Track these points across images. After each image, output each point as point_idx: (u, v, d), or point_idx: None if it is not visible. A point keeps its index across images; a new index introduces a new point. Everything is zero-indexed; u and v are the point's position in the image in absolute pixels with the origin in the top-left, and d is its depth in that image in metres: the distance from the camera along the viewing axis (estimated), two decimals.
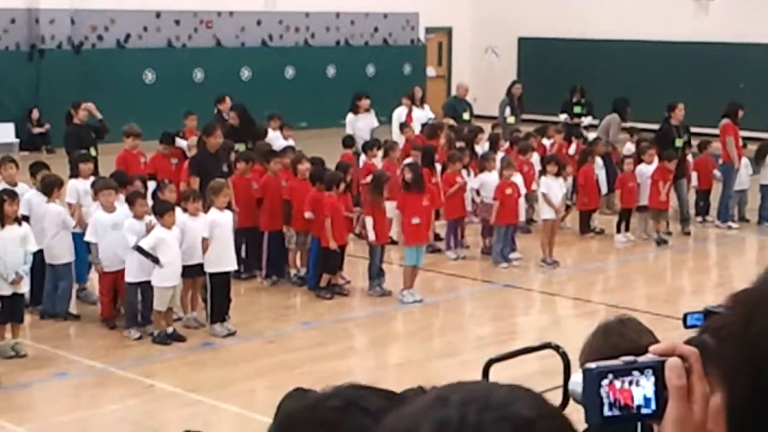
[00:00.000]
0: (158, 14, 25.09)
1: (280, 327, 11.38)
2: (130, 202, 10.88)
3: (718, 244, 16.06)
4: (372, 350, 11.12)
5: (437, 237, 14.79)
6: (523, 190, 14.17)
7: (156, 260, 10.38)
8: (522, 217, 14.45)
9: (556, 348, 6.69)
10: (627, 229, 15.51)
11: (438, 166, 14.79)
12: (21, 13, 23.36)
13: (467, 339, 11.29)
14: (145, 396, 9.39)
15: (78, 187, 11.85)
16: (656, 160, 15.36)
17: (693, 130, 16.61)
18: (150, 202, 11.44)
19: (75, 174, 12.13)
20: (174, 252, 10.52)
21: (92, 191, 11.41)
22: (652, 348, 1.64)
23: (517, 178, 14.03)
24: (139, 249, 10.42)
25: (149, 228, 10.59)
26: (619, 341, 3.46)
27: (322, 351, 10.49)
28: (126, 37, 24.78)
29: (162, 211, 10.58)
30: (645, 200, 15.31)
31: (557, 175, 14.25)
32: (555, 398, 5.69)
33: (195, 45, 25.76)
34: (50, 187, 11.19)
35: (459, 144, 15.79)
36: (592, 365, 1.61)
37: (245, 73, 26.51)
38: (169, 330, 10.62)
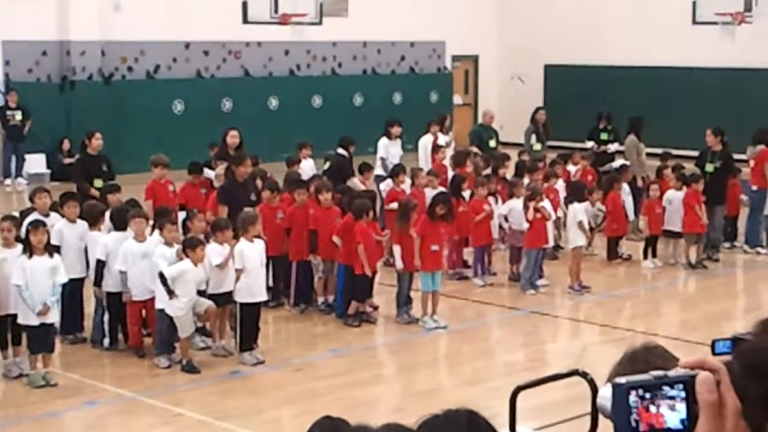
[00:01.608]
0: (187, 45, 25.34)
1: (308, 355, 11.41)
2: (159, 227, 10.98)
3: (747, 270, 15.98)
4: (400, 377, 11.12)
5: (465, 264, 14.83)
6: (553, 216, 14.17)
7: (171, 292, 10.47)
8: (551, 243, 14.44)
9: (584, 375, 6.69)
10: (654, 255, 15.48)
11: (466, 194, 14.83)
12: (52, 45, 23.66)
13: (495, 366, 11.28)
14: (174, 424, 9.44)
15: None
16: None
17: None
18: (180, 231, 11.54)
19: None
20: (192, 287, 10.61)
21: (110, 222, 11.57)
22: (681, 362, 1.63)
23: (546, 203, 14.04)
24: (161, 276, 10.51)
25: (179, 255, 10.69)
26: (645, 368, 3.46)
27: (350, 378, 10.51)
28: (155, 68, 25.04)
29: (192, 245, 10.65)
30: (671, 225, 15.31)
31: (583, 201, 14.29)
32: (584, 425, 5.66)
33: (223, 75, 25.98)
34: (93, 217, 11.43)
35: (486, 171, 15.84)
36: (622, 379, 1.59)
37: (273, 103, 26.70)
38: (183, 361, 10.68)
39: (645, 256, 15.49)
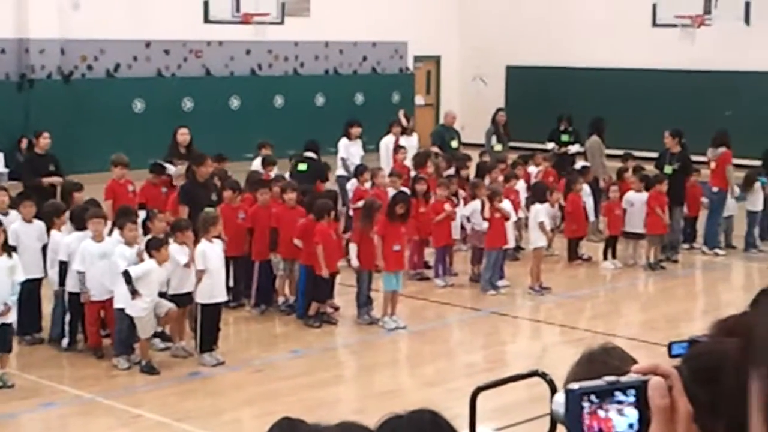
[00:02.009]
0: (148, 44, 25.18)
1: (269, 356, 11.38)
2: (119, 227, 10.89)
3: (706, 271, 16.12)
4: (360, 378, 11.12)
5: (426, 265, 14.85)
6: (513, 216, 14.20)
7: (134, 291, 10.40)
8: (511, 243, 14.47)
9: (543, 375, 6.72)
10: (614, 256, 15.58)
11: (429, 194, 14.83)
12: (11, 42, 23.41)
13: (456, 367, 11.30)
14: (133, 426, 9.37)
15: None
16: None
17: None
18: (140, 231, 11.45)
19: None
20: (155, 287, 10.55)
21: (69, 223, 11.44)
22: (634, 368, 1.64)
23: (505, 204, 14.06)
24: (125, 274, 10.42)
25: (140, 254, 10.62)
26: (603, 369, 3.47)
27: (311, 379, 10.49)
28: (116, 67, 24.85)
29: (156, 246, 10.57)
30: (632, 227, 15.42)
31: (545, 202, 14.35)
32: (543, 426, 5.67)
33: (184, 74, 25.83)
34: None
35: (447, 172, 15.87)
36: (575, 385, 1.60)
37: (234, 102, 26.59)
38: (143, 362, 10.60)
39: (605, 257, 15.59)
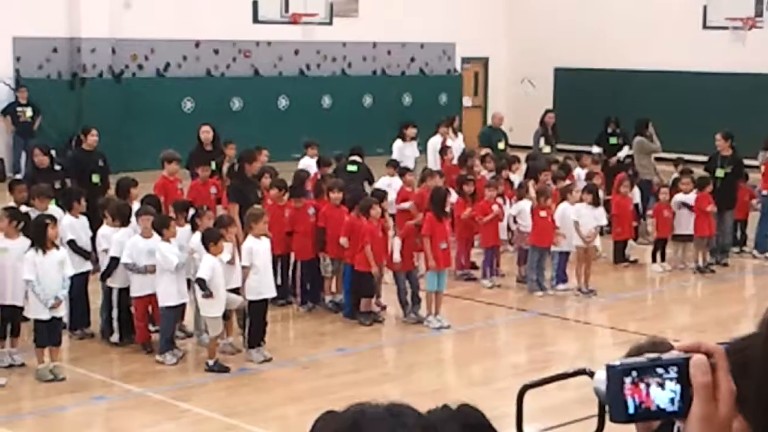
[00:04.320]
0: (197, 44, 25.37)
1: (315, 353, 11.42)
2: (165, 225, 10.96)
3: (756, 275, 15.95)
4: (406, 377, 11.11)
5: (473, 265, 14.82)
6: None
7: (210, 295, 10.45)
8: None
9: (591, 374, 6.67)
10: (663, 258, 15.46)
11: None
12: (63, 42, 23.69)
13: (502, 366, 11.27)
14: (181, 420, 9.45)
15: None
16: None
17: None
18: (188, 228, 11.54)
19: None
20: (222, 282, 10.61)
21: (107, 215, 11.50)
22: (677, 345, 1.63)
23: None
24: (200, 281, 10.45)
25: (190, 252, 10.72)
26: None
27: (357, 377, 10.52)
28: (165, 66, 25.07)
29: (212, 238, 10.60)
30: (680, 229, 15.28)
31: (593, 204, 14.24)
32: (591, 426, 5.63)
33: (233, 74, 26.00)
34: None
35: (493, 173, 15.84)
36: (616, 362, 1.59)
37: (282, 102, 26.71)
38: (211, 361, 10.65)
39: (653, 260, 15.47)
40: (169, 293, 10.69)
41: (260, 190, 13.20)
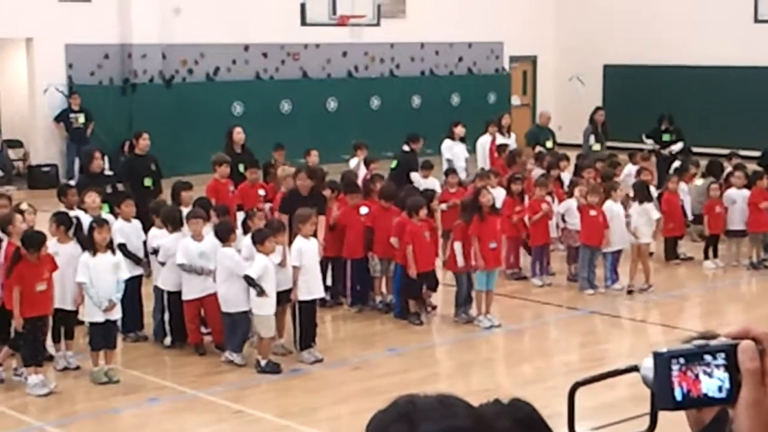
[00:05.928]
0: (246, 47, 25.54)
1: (366, 354, 11.45)
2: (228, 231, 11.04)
3: None
4: (457, 376, 11.11)
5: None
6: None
7: (262, 291, 10.52)
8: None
9: None
10: (716, 255, 15.30)
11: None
12: (114, 48, 23.97)
13: (553, 365, 11.23)
14: (234, 421, 9.53)
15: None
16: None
17: None
18: (239, 231, 11.62)
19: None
20: (274, 280, 10.66)
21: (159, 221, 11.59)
22: (725, 331, 1.62)
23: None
24: (247, 278, 10.54)
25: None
26: None
27: (408, 377, 10.52)
28: (215, 70, 25.27)
29: (262, 238, 10.70)
30: (734, 225, 15.12)
31: (641, 200, 14.11)
32: (643, 424, 5.60)
33: (282, 77, 26.14)
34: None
35: (542, 171, 15.79)
36: (663, 350, 1.59)
37: (331, 104, 26.81)
38: (263, 362, 10.70)
39: (706, 256, 15.32)
40: (242, 299, 10.67)
41: (324, 202, 12.91)
